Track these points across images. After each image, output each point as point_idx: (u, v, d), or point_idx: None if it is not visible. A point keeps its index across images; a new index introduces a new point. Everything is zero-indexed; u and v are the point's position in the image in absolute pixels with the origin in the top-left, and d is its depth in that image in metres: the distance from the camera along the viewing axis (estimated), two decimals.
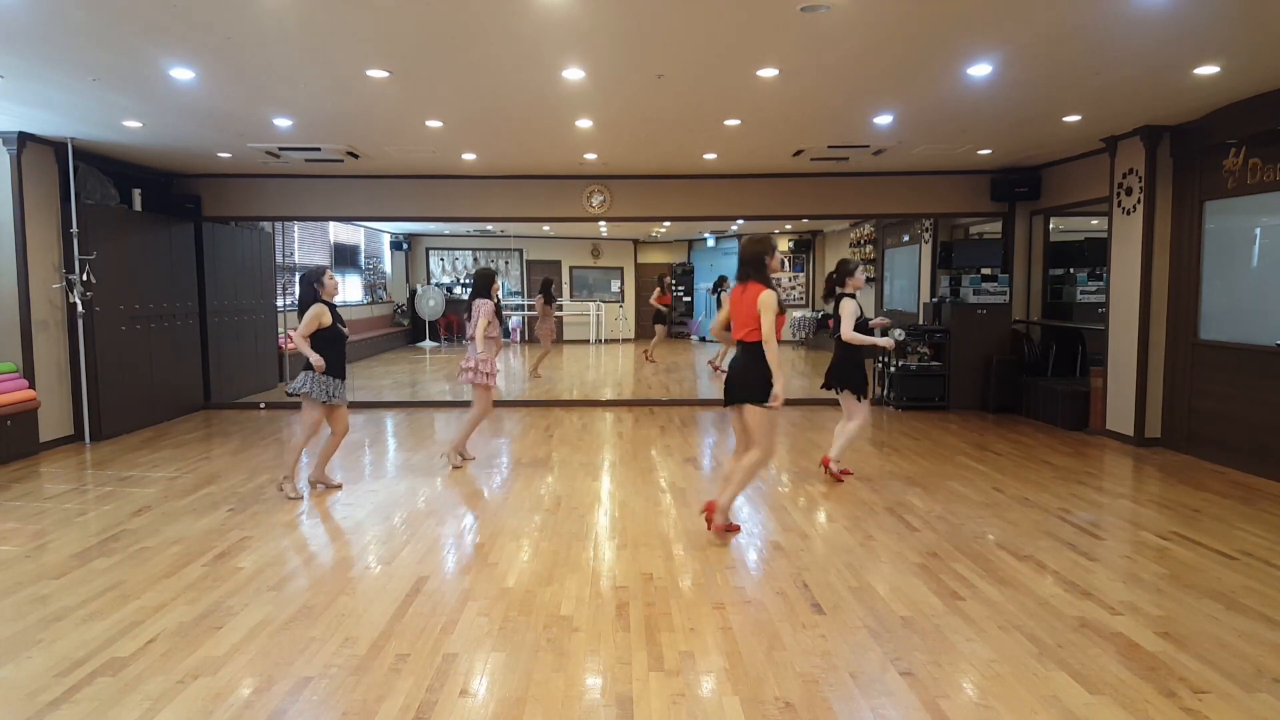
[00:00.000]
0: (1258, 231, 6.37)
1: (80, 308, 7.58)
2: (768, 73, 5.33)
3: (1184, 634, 3.45)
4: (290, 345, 12.18)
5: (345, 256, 15.86)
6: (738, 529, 4.85)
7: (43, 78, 5.37)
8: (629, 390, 11.31)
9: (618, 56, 5.03)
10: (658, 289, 15.07)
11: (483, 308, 6.35)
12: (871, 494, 5.68)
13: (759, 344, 4.49)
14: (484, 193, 9.73)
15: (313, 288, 5.59)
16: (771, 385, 4.44)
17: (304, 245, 13.83)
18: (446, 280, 19.34)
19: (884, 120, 6.74)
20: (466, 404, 10.01)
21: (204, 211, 9.49)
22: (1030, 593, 3.91)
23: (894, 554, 4.46)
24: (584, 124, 6.86)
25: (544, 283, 12.72)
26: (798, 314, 18.29)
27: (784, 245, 18.70)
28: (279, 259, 12.20)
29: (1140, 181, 7.24)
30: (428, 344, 18.06)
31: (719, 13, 4.26)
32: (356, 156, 8.24)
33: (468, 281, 19.40)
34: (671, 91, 5.80)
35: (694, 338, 20.09)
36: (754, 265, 4.63)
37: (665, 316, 14.77)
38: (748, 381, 4.55)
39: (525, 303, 18.76)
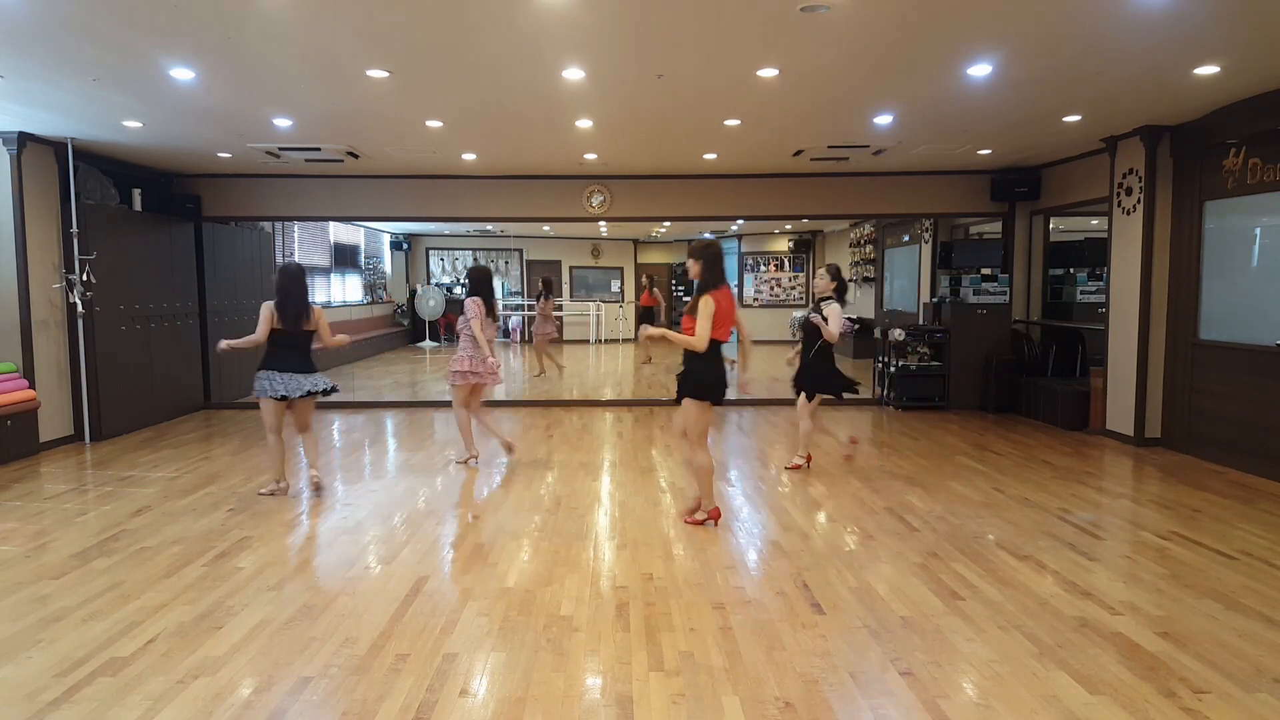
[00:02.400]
0: (1258, 231, 6.37)
1: (80, 308, 7.58)
2: (768, 72, 5.32)
3: (1184, 634, 3.45)
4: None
5: (345, 256, 15.85)
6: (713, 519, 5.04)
7: (43, 78, 5.37)
8: (629, 390, 11.31)
9: (618, 56, 5.03)
10: (646, 291, 16.58)
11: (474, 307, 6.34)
12: (871, 494, 5.68)
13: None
14: (484, 193, 9.73)
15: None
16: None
17: (304, 245, 13.82)
18: (446, 280, 19.33)
19: (884, 120, 6.74)
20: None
21: (204, 211, 9.50)
22: (1030, 593, 3.91)
23: (894, 554, 4.46)
24: (584, 124, 6.86)
25: (544, 282, 12.94)
26: (798, 314, 18.29)
27: (784, 245, 18.75)
28: (279, 259, 12.20)
29: (1140, 181, 7.24)
30: (428, 344, 18.05)
31: (719, 13, 4.26)
32: (356, 156, 8.24)
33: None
34: (671, 91, 5.80)
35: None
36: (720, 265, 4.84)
37: (653, 316, 15.96)
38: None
39: (525, 302, 18.72)
